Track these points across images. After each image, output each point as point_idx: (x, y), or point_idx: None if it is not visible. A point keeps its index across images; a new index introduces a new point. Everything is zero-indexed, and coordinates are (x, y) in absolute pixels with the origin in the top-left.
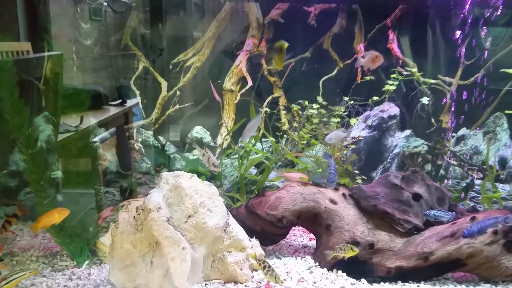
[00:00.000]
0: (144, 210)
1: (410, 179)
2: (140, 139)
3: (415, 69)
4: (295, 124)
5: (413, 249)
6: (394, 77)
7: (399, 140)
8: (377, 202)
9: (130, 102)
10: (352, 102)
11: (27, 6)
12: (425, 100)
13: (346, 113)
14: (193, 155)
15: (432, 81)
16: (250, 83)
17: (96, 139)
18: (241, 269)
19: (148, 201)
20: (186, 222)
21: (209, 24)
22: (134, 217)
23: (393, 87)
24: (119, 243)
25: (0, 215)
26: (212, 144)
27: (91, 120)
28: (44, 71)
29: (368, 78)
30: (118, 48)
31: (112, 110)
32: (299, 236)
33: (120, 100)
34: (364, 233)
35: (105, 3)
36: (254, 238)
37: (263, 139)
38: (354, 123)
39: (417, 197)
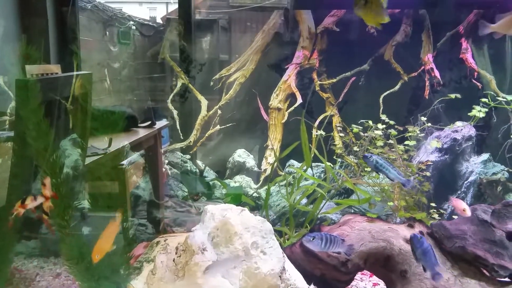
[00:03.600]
0: (186, 252)
1: (502, 214)
2: (167, 161)
3: (492, 83)
4: (355, 148)
5: None
6: (485, 102)
7: (475, 166)
8: (465, 243)
9: (159, 124)
10: (430, 124)
11: (57, 29)
12: None
13: (422, 134)
14: (235, 182)
15: None
16: (299, 100)
17: (125, 162)
18: None
19: (192, 241)
20: (235, 267)
21: (255, 36)
22: (173, 260)
23: (482, 114)
24: None
25: (22, 250)
26: (255, 169)
27: (123, 142)
28: (72, 91)
29: (453, 96)
30: (147, 71)
31: (141, 133)
32: (360, 280)
33: (149, 122)
34: (449, 282)
35: (134, 27)
36: (312, 285)
37: (313, 164)
38: (435, 146)
39: None
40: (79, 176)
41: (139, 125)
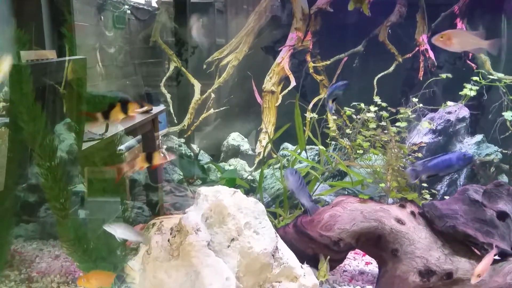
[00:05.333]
0: (180, 232)
1: (493, 194)
2: (164, 147)
3: (487, 64)
4: (348, 130)
5: (501, 279)
6: (476, 81)
7: (469, 147)
8: (456, 223)
9: (155, 109)
10: (421, 105)
11: (51, 14)
12: (509, 116)
13: (413, 116)
14: (230, 165)
15: (510, 77)
16: (293, 83)
17: (122, 147)
18: None
19: (185, 222)
20: (228, 246)
21: (247, 17)
22: (168, 240)
23: (473, 93)
24: (152, 271)
25: (20, 233)
26: (250, 152)
27: (118, 127)
28: (65, 75)
29: (443, 76)
30: (143, 56)
31: (138, 118)
32: (353, 259)
33: (146, 108)
34: (440, 260)
35: (129, 11)
36: (305, 263)
37: (307, 147)
38: (426, 127)
39: (502, 216)
40: (75, 160)
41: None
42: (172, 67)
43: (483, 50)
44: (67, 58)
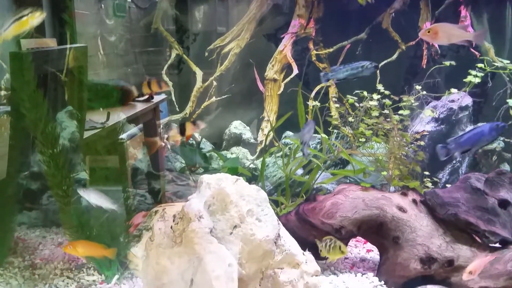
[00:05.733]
0: (183, 219)
1: (495, 183)
2: (166, 136)
3: (491, 51)
4: (350, 119)
5: (502, 267)
6: (481, 68)
7: None
8: (458, 211)
9: (156, 98)
10: (424, 92)
11: (52, 2)
12: None
13: (417, 103)
14: (232, 154)
15: None
16: (296, 71)
17: (124, 136)
18: None
19: (188, 209)
20: (231, 233)
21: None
22: (171, 227)
23: (477, 80)
24: (155, 258)
25: (23, 220)
26: (252, 141)
27: (120, 116)
28: (67, 63)
29: (447, 63)
30: (144, 44)
31: (140, 106)
32: (354, 246)
33: (147, 96)
34: (441, 248)
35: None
36: (307, 251)
37: None
38: (429, 115)
39: (504, 204)
40: (77, 148)
41: (136, 99)
42: (173, 55)
43: (470, 42)
44: (68, 46)
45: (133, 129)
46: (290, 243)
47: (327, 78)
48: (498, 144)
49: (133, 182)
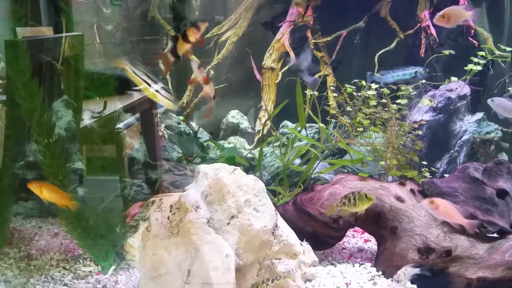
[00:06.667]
0: (180, 210)
1: (493, 172)
2: (163, 125)
3: (489, 40)
4: (348, 108)
5: (500, 256)
6: (482, 56)
7: (469, 125)
8: (455, 200)
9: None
10: (424, 81)
11: None
12: None
13: (415, 93)
14: (229, 143)
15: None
16: (293, 60)
17: (121, 125)
18: (293, 280)
19: (185, 199)
20: (228, 224)
21: None
22: (168, 217)
23: (479, 67)
24: (152, 248)
25: (19, 210)
26: (249, 130)
27: (117, 105)
28: (62, 51)
29: (446, 52)
30: (141, 32)
31: (137, 96)
32: (352, 236)
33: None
34: (439, 238)
35: None
36: (305, 241)
37: (307, 125)
38: (427, 104)
39: (502, 194)
40: (73, 138)
41: (133, 88)
42: (170, 44)
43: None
44: (63, 34)
45: (130, 119)
46: (287, 233)
47: (372, 80)
48: (496, 134)
49: (130, 172)
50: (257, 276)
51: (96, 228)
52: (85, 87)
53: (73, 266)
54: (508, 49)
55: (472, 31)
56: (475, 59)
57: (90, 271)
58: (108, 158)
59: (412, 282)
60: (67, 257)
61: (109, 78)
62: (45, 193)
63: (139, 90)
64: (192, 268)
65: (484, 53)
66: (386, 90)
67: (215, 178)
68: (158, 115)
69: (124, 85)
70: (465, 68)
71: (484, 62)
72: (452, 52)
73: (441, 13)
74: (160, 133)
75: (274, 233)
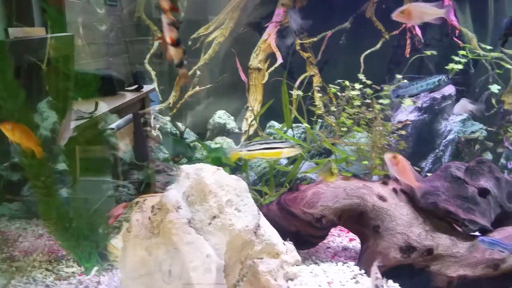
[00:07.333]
0: (161, 210)
1: (475, 171)
2: (158, 126)
3: (473, 41)
4: (332, 108)
5: (480, 255)
6: (463, 55)
7: (454, 125)
8: (437, 199)
9: (146, 88)
10: (405, 81)
11: None
12: (494, 88)
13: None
14: (216, 144)
15: (494, 54)
16: (280, 60)
17: (113, 126)
18: (275, 280)
19: (166, 200)
20: (210, 224)
21: None
22: (149, 218)
23: (459, 66)
24: (132, 249)
25: (4, 212)
26: (236, 130)
27: (106, 106)
28: (48, 52)
29: (429, 52)
30: (134, 33)
31: (128, 96)
32: (337, 235)
33: (136, 86)
34: (421, 236)
35: None
36: (288, 240)
37: (294, 125)
38: (409, 104)
39: (484, 192)
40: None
41: (126, 88)
42: (156, 44)
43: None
44: (48, 35)
45: (120, 120)
46: (270, 233)
47: (397, 95)
48: (481, 133)
49: (117, 172)
50: (238, 276)
51: (79, 229)
52: (68, 87)
53: (55, 267)
54: (488, 47)
55: (457, 31)
56: (456, 58)
57: (73, 272)
58: (93, 159)
59: (394, 281)
60: (50, 258)
61: (95, 79)
62: (15, 135)
63: (131, 91)
64: (173, 269)
65: (465, 52)
66: (369, 90)
67: (197, 178)
68: (152, 116)
69: (113, 86)
70: (445, 67)
71: (465, 61)
72: (434, 52)
73: (401, 8)
74: (154, 134)
75: (256, 232)
